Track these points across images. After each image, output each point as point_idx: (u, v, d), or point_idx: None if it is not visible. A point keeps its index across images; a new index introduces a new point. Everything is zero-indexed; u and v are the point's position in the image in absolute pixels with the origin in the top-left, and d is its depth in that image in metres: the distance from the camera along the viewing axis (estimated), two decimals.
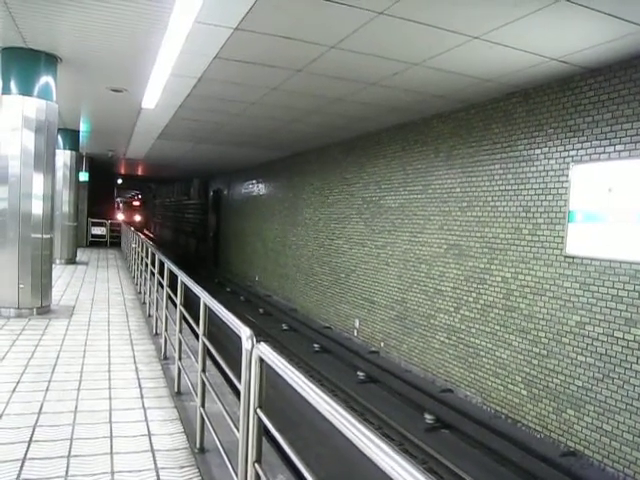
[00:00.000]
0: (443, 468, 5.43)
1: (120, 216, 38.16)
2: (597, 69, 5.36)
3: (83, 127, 12.33)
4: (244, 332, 2.11)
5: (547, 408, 5.86)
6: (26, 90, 6.37)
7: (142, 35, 5.37)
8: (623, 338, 5.03)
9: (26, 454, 2.97)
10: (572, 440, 5.52)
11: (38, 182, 6.60)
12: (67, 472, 2.79)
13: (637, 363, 4.90)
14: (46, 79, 6.47)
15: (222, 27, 4.81)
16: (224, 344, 6.36)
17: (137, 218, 49.17)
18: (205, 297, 3.06)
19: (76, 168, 13.97)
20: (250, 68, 6.13)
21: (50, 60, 6.41)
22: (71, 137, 13.11)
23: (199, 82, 6.77)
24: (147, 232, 46.53)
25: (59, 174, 12.41)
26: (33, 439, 3.18)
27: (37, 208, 6.63)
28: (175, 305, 4.44)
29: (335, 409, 1.35)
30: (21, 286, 6.54)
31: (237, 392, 2.30)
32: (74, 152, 13.61)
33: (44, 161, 6.64)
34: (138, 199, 51.19)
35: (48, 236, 6.85)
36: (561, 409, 5.68)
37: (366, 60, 5.61)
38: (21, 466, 2.82)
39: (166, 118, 9.44)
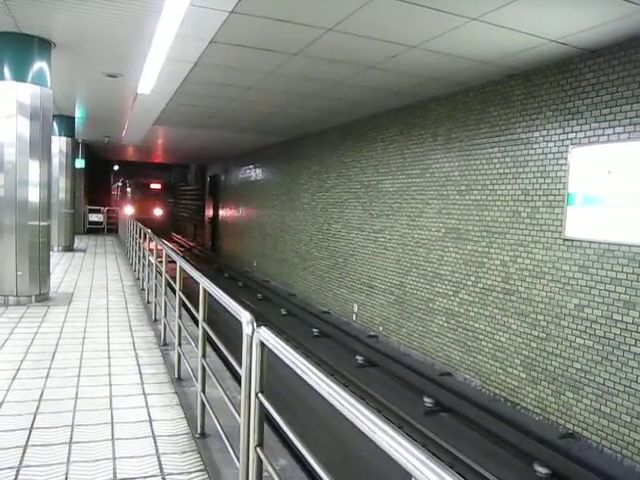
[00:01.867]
0: (442, 450, 5.46)
1: (129, 209, 26.87)
2: (596, 51, 5.31)
3: (78, 113, 12.22)
4: (245, 317, 2.10)
5: (546, 390, 5.89)
6: (20, 76, 6.29)
7: (137, 19, 5.29)
8: (621, 320, 5.05)
9: (28, 441, 2.97)
10: (571, 422, 5.56)
11: (34, 169, 6.55)
12: (69, 458, 2.79)
13: (635, 345, 4.92)
14: (40, 64, 6.39)
15: (218, 10, 4.74)
16: (223, 330, 6.37)
17: (157, 212, 34.18)
18: (204, 282, 3.05)
19: (72, 155, 13.89)
20: (246, 52, 6.06)
21: (43, 45, 6.32)
22: (66, 123, 13.00)
23: (195, 67, 6.70)
24: (178, 238, 30.19)
25: (55, 161, 12.33)
26: (34, 426, 3.18)
27: (34, 195, 6.59)
28: (174, 291, 4.43)
29: (337, 392, 1.35)
30: (19, 274, 6.52)
31: (237, 377, 2.30)
32: (70, 139, 13.52)
33: (40, 148, 6.59)
34: (159, 181, 34.79)
35: (45, 223, 6.81)
36: (560, 391, 5.71)
37: (363, 43, 5.54)
38: (23, 453, 2.83)
39: (162, 103, 9.35)
